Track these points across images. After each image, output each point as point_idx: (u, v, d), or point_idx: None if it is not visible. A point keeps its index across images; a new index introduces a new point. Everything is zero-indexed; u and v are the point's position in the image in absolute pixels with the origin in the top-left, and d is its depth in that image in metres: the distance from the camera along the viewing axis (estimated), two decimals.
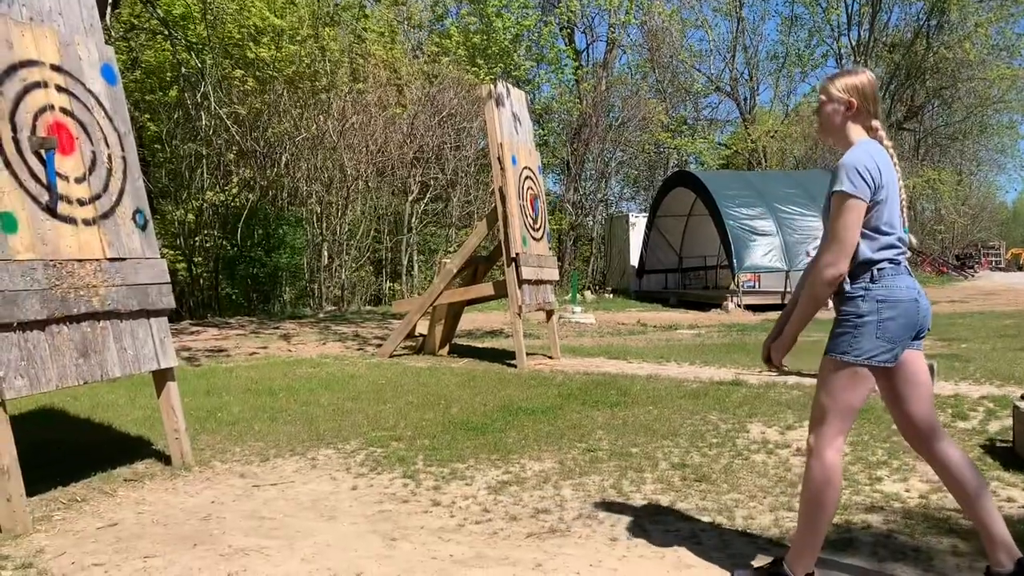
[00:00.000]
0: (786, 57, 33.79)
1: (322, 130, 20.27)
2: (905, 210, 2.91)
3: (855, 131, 2.91)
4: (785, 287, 18.40)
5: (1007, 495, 4.05)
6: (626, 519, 3.78)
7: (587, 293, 23.29)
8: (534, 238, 9.36)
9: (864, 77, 2.91)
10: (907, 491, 4.15)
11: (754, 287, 20.96)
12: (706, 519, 3.76)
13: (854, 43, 32.47)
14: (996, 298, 20.27)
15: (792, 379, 7.48)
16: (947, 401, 6.22)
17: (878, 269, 2.79)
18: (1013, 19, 28.13)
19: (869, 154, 2.77)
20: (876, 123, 2.92)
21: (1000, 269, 44.73)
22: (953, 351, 9.39)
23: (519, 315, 8.88)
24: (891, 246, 2.82)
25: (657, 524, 3.71)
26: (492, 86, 9.02)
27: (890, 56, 31.45)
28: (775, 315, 14.07)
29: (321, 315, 17.00)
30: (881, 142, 2.90)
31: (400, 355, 9.84)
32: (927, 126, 34.36)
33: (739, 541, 3.48)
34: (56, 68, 4.22)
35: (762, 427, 5.59)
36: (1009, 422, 5.13)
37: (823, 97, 2.94)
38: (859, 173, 2.72)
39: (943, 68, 29.39)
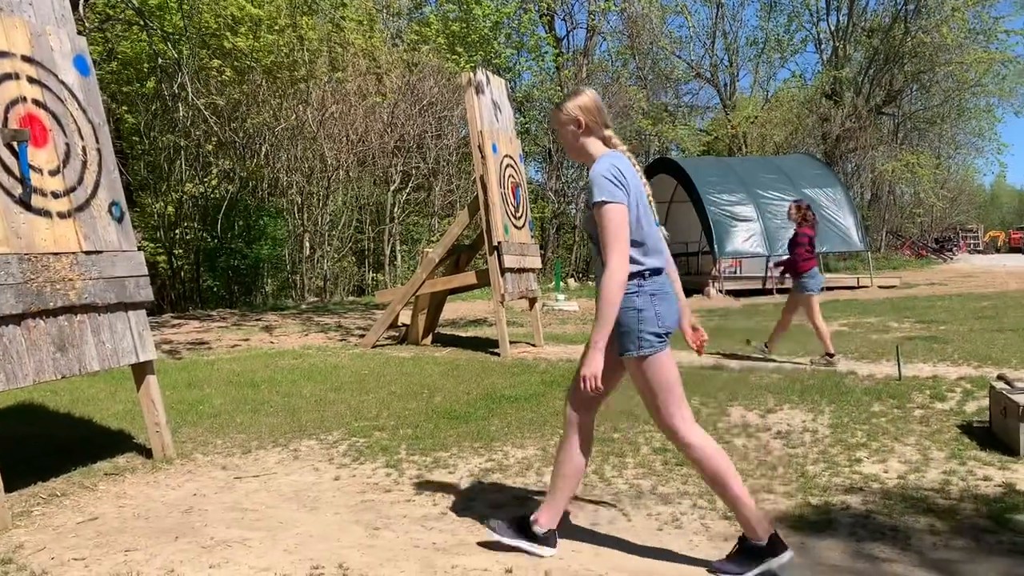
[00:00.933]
0: (765, 43, 33.82)
1: (301, 120, 20.13)
2: (652, 205, 3.14)
3: (593, 145, 3.17)
4: (766, 272, 18.50)
5: (983, 474, 4.10)
6: (608, 504, 3.80)
7: (570, 281, 23.32)
8: (516, 226, 9.35)
9: (585, 96, 3.17)
10: (886, 472, 4.19)
11: (736, 273, 21.06)
12: (687, 503, 3.79)
13: (833, 28, 32.55)
14: (974, 280, 20.48)
15: (773, 363, 7.54)
16: (925, 383, 6.29)
17: (649, 271, 3.02)
18: (989, 3, 28.30)
19: (612, 163, 3.01)
20: (608, 132, 3.19)
21: (978, 252, 45.21)
22: (932, 333, 9.49)
23: (502, 303, 8.88)
24: (643, 244, 3.03)
25: (639, 509, 3.73)
26: (472, 74, 8.99)
27: (869, 41, 31.53)
28: (757, 300, 14.21)
29: (303, 306, 16.93)
30: (616, 148, 3.16)
31: (383, 345, 9.83)
32: (906, 110, 34.51)
33: (720, 524, 3.51)
34: (28, 59, 4.17)
35: (743, 411, 5.63)
36: (986, 403, 5.20)
37: (556, 124, 3.21)
38: (609, 180, 2.95)
39: (921, 52, 29.49)
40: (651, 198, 3.14)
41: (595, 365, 2.94)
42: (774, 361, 7.83)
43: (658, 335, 3.02)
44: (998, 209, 70.29)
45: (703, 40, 33.99)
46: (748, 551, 2.98)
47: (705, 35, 33.87)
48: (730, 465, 3.02)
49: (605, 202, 2.91)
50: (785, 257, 8.11)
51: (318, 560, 3.17)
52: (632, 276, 2.96)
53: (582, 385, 2.98)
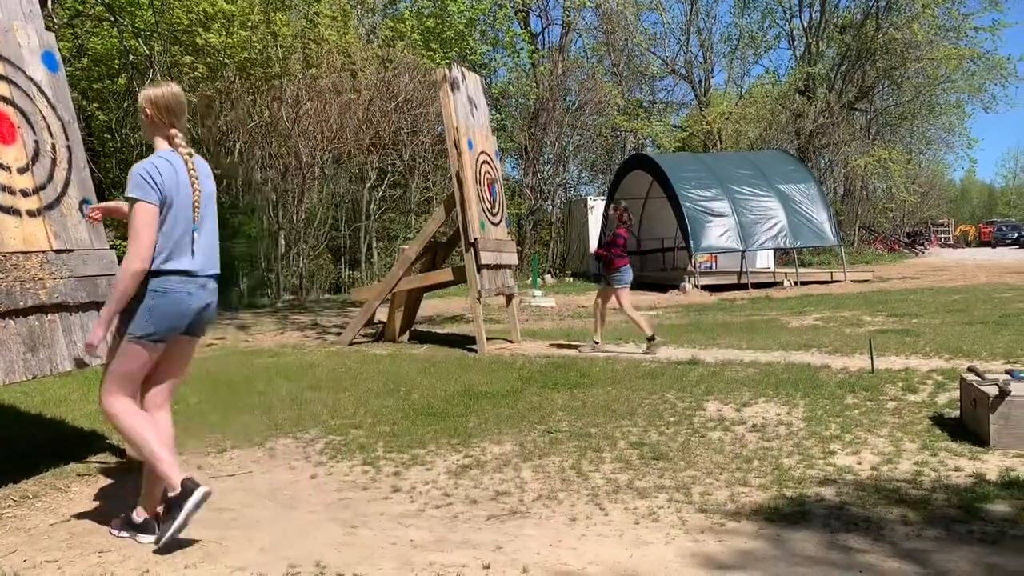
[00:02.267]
0: (739, 39, 34.01)
1: (276, 117, 19.97)
2: (197, 209, 3.29)
3: (158, 141, 3.33)
4: (741, 267, 18.62)
5: (955, 465, 4.16)
6: (585, 499, 3.81)
7: (547, 277, 23.34)
8: (492, 223, 9.35)
9: (160, 91, 3.30)
10: (859, 464, 4.24)
11: (711, 268, 21.18)
12: (663, 496, 3.81)
13: (805, 24, 32.79)
14: (945, 274, 20.75)
15: (748, 357, 7.60)
16: (897, 375, 6.37)
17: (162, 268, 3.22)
18: (959, 0, 28.68)
19: (153, 163, 3.21)
20: (173, 131, 3.31)
21: (949, 246, 45.88)
22: (904, 326, 9.61)
23: (479, 300, 8.88)
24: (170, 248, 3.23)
25: (616, 503, 3.75)
26: (447, 70, 8.97)
27: (841, 37, 31.80)
28: (732, 295, 14.34)
29: (279, 304, 16.82)
30: (178, 149, 3.30)
31: (360, 343, 9.79)
32: (877, 106, 34.83)
33: (696, 517, 3.54)
34: None
35: (719, 405, 5.67)
36: (957, 394, 5.27)
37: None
38: (142, 178, 3.16)
39: (892, 49, 29.78)
40: (197, 204, 3.27)
41: (94, 336, 3.27)
42: (610, 352, 8.41)
43: (147, 332, 3.24)
44: (968, 204, 71.22)
45: (677, 36, 34.11)
46: (172, 505, 3.22)
47: (679, 31, 33.98)
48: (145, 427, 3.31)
49: (134, 199, 3.15)
50: (603, 251, 8.86)
51: (295, 559, 3.16)
52: (151, 272, 3.19)
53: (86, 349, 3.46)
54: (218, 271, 3.43)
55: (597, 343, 8.65)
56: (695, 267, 19.00)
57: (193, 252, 3.27)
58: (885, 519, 3.45)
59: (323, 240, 21.67)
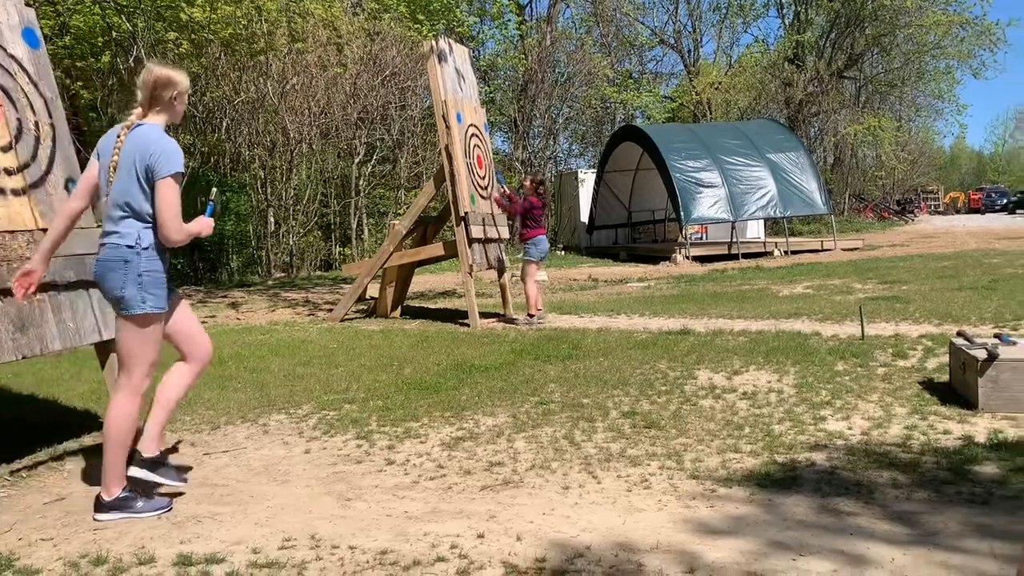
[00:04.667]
0: (728, 8, 33.78)
1: (262, 93, 19.78)
2: (112, 173, 3.42)
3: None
4: (732, 237, 18.65)
5: (944, 428, 4.21)
6: (578, 468, 3.84)
7: None
8: (482, 196, 9.32)
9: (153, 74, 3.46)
10: (849, 429, 4.28)
11: (702, 239, 21.20)
12: (655, 464, 3.84)
13: None
14: (935, 241, 20.83)
15: (739, 326, 7.63)
16: (888, 341, 6.41)
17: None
18: None
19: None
20: (136, 106, 3.50)
21: (939, 213, 46.00)
22: (894, 293, 9.65)
23: (470, 274, 8.87)
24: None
25: (608, 471, 3.77)
26: (434, 42, 8.88)
27: (830, 4, 31.57)
28: (723, 265, 14.41)
29: (270, 282, 16.78)
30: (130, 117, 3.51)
31: (351, 319, 9.78)
32: (867, 74, 34.69)
33: (688, 484, 3.57)
34: None
35: (709, 373, 5.70)
36: (946, 359, 5.31)
37: None
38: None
39: (881, 15, 29.62)
40: (113, 167, 3.40)
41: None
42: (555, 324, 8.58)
43: None
44: (957, 170, 71.28)
45: (666, 6, 33.90)
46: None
47: (668, 1, 33.75)
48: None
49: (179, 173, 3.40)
50: (517, 213, 9.29)
51: (290, 532, 3.17)
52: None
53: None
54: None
55: (532, 315, 8.78)
56: (686, 238, 19.01)
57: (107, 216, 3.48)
58: (875, 482, 3.49)
59: (313, 217, 21.58)
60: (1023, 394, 4.41)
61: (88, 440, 4.64)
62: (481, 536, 3.06)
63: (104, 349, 4.58)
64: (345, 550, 2.99)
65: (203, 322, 9.91)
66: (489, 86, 26.91)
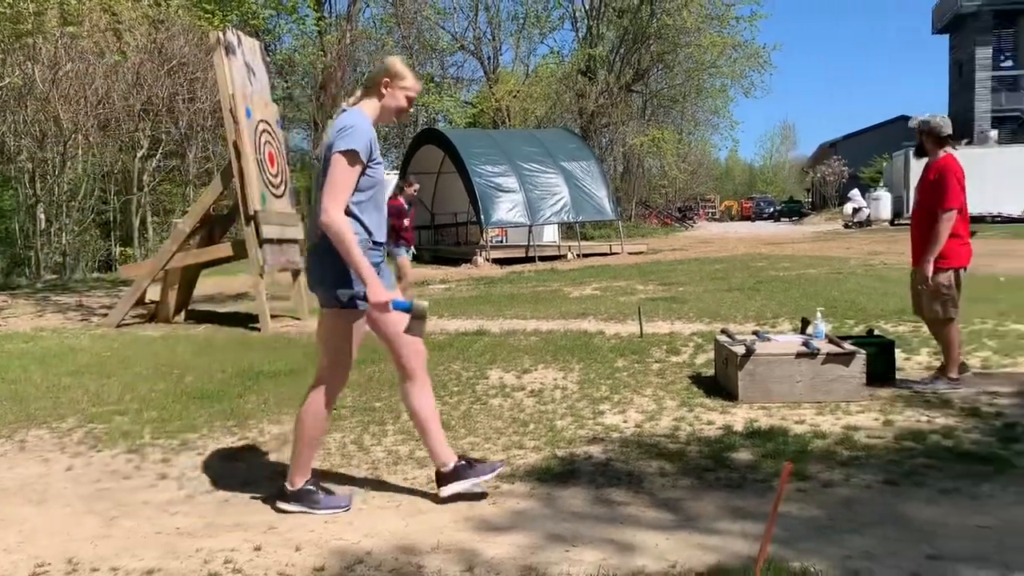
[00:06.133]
0: (526, 18, 34.90)
1: (29, 79, 18.02)
2: None
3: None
4: (529, 241, 19.22)
5: (708, 419, 4.55)
6: (365, 472, 3.80)
7: None
8: (275, 195, 9.00)
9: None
10: (625, 422, 4.53)
11: (502, 242, 21.68)
12: None
13: (587, 7, 34.20)
14: (710, 245, 22.53)
15: (531, 326, 7.87)
16: (663, 339, 6.86)
17: None
18: None
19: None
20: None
21: (715, 220, 50.09)
22: (671, 294, 10.33)
23: (261, 276, 8.55)
24: None
25: (395, 474, 3.77)
26: (221, 34, 8.49)
27: (619, 21, 33.45)
28: (521, 267, 14.74)
29: (39, 285, 15.31)
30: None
31: (130, 324, 9.12)
32: (652, 88, 37.05)
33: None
34: None
35: (501, 372, 5.84)
36: (713, 355, 5.76)
37: None
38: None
39: (665, 34, 31.76)
40: None
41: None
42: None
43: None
44: (732, 181, 77.92)
45: (467, 12, 34.41)
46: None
47: (468, 7, 34.29)
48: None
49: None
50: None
51: (44, 557, 2.91)
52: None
53: None
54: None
55: None
56: (487, 241, 19.37)
57: None
58: (645, 472, 3.71)
59: (89, 214, 19.94)
60: (776, 386, 4.87)
61: None
62: (258, 549, 2.95)
63: None
64: (106, 572, 2.78)
65: None
66: (287, 82, 26.11)
